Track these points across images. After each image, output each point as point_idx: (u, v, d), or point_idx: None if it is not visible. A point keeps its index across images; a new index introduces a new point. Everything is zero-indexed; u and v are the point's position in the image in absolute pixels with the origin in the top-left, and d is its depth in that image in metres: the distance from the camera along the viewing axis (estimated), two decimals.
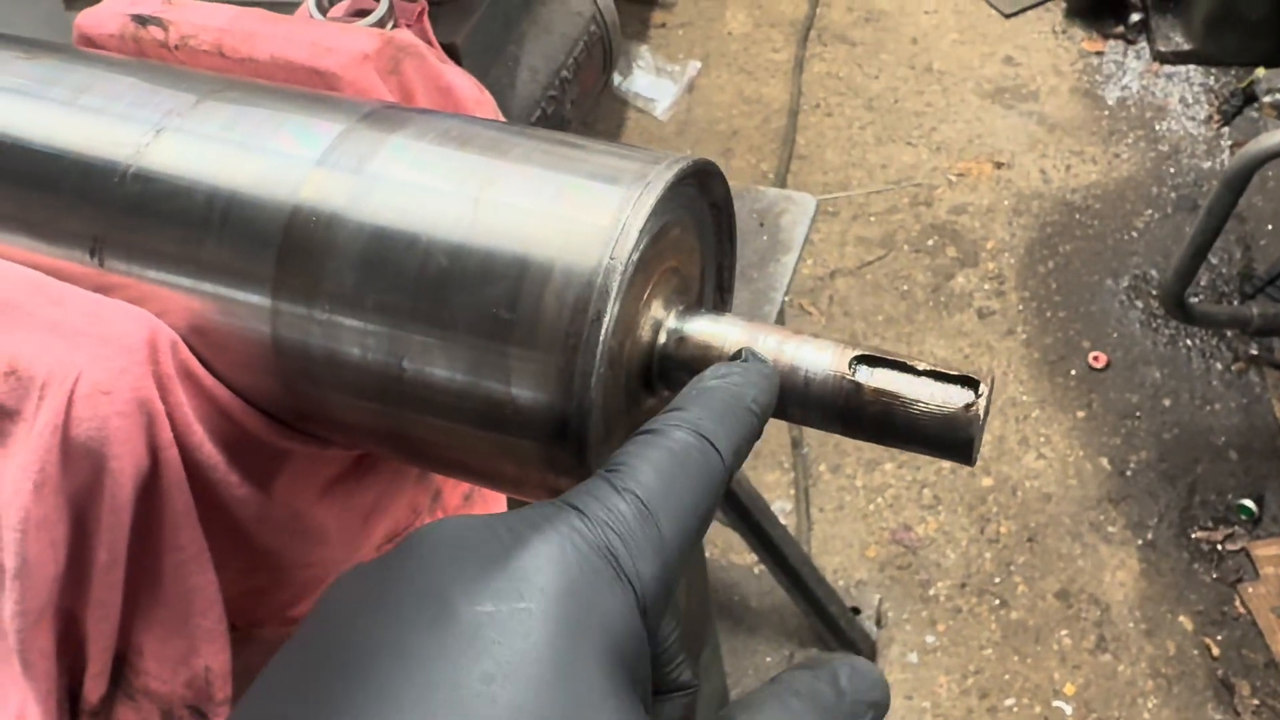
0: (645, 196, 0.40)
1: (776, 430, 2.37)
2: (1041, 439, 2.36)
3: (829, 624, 1.93)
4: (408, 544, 0.33)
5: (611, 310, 0.39)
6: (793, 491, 2.31)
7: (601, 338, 0.38)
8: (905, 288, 2.64)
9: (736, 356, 0.41)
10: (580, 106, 0.79)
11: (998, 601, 2.15)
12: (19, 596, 0.44)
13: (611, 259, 0.39)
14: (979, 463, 1.87)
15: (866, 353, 0.42)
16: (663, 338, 0.44)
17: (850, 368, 0.42)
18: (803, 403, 0.42)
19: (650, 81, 3.08)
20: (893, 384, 0.41)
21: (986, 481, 2.31)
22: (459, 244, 0.40)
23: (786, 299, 1.20)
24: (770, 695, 0.35)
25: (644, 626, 0.32)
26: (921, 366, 0.41)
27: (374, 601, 0.31)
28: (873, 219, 2.79)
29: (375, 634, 0.30)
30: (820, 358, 0.42)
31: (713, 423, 0.37)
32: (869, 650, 2.03)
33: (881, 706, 0.36)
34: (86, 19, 0.56)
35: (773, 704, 0.34)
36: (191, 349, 0.45)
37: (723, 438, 0.36)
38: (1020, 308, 2.59)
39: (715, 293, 0.51)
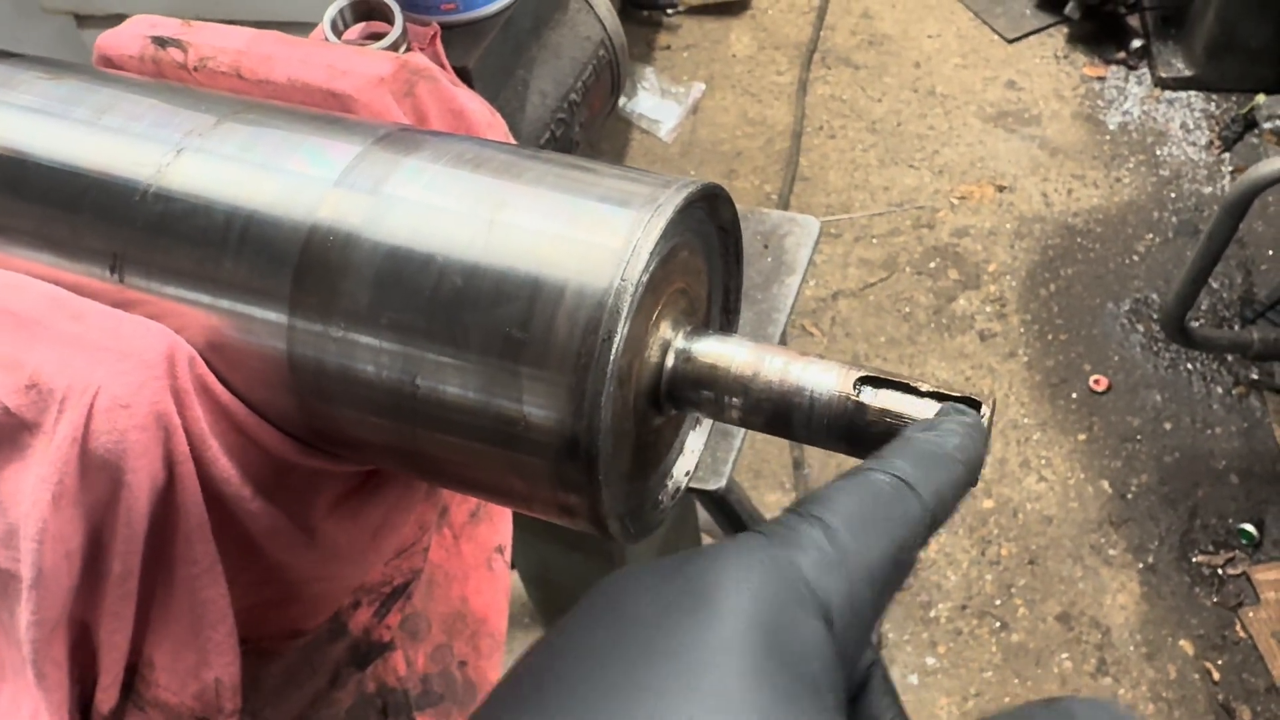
0: (655, 219, 0.41)
1: (778, 450, 2.37)
2: (1042, 461, 2.37)
3: None
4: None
5: (621, 330, 0.39)
6: None
7: (612, 357, 0.39)
8: (907, 310, 2.65)
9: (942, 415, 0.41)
10: (589, 129, 0.80)
11: (998, 624, 2.15)
12: (34, 607, 0.44)
13: (622, 280, 0.39)
14: (980, 485, 1.87)
15: (870, 374, 0.43)
16: (671, 358, 0.45)
17: (855, 388, 0.42)
18: (808, 423, 0.43)
19: (655, 103, 3.10)
20: (896, 404, 0.42)
21: (987, 504, 2.31)
22: (473, 264, 0.41)
23: (789, 320, 1.21)
24: None
25: (830, 638, 0.33)
26: (924, 388, 0.42)
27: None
28: (875, 241, 2.80)
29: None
30: (825, 378, 0.43)
31: (906, 463, 0.37)
32: None
33: None
34: (107, 40, 0.57)
35: None
36: (208, 364, 0.46)
37: (915, 476, 0.37)
38: (1022, 330, 2.59)
39: (722, 314, 0.52)
